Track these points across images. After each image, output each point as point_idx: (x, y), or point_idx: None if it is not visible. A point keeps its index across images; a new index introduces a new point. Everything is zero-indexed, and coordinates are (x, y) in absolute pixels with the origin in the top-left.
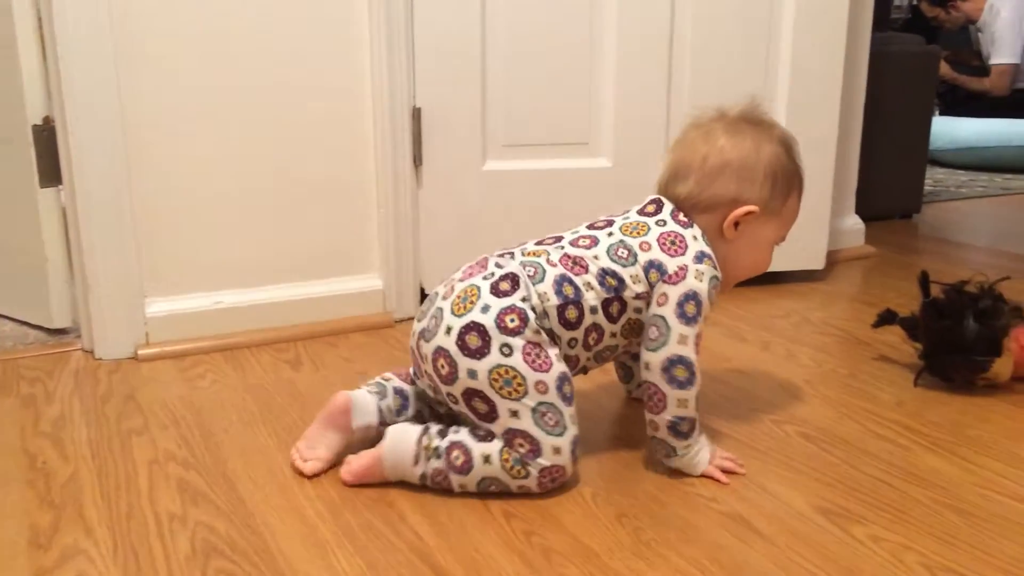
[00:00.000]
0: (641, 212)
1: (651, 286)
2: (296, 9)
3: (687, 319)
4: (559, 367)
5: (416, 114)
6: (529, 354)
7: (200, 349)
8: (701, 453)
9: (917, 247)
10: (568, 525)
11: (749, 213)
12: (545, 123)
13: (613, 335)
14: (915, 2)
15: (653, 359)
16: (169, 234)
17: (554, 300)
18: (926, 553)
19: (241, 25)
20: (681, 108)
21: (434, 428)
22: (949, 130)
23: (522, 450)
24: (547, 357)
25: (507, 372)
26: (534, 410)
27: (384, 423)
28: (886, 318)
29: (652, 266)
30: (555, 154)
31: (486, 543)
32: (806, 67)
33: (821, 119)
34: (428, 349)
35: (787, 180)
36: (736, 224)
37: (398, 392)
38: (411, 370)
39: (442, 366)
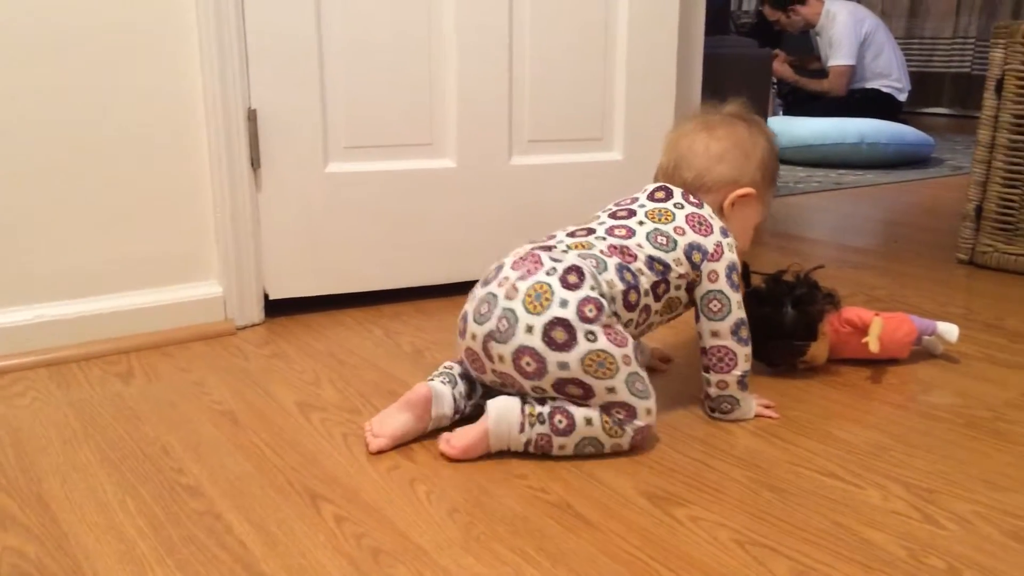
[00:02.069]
0: (652, 198)
1: (693, 266)
2: (118, 10)
3: (735, 287)
4: (630, 338)
5: (252, 115)
6: (610, 333)
7: (22, 365)
8: (752, 400)
9: (756, 239)
10: (399, 524)
11: (747, 195)
12: (388, 124)
13: (656, 312)
14: (761, 7)
15: (722, 326)
16: None
17: (620, 286)
18: (739, 529)
19: (62, 27)
20: (523, 106)
21: (531, 397)
22: (789, 129)
23: (620, 415)
24: (621, 332)
25: (599, 355)
26: (626, 381)
27: (457, 411)
28: None
29: (693, 248)
30: (399, 155)
31: (314, 549)
32: (641, 66)
33: (658, 118)
34: (505, 350)
35: (773, 171)
36: (733, 204)
37: (464, 377)
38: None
39: (528, 363)
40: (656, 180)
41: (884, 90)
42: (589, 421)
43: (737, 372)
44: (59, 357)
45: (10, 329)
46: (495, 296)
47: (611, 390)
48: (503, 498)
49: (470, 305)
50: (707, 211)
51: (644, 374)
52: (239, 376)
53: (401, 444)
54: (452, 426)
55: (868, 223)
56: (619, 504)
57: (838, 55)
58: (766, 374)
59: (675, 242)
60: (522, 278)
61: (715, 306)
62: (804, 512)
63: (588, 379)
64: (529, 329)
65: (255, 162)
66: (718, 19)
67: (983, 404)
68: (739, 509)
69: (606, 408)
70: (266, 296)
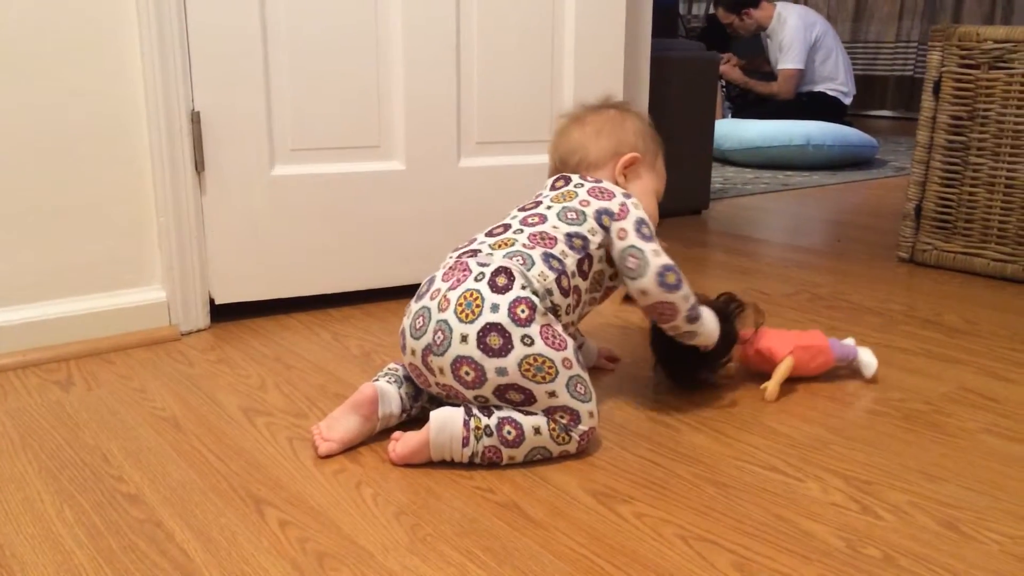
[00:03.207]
0: (554, 188)
1: (605, 230)
2: (55, 8)
3: (648, 238)
4: (570, 340)
5: (195, 118)
6: (547, 336)
7: None
8: (709, 322)
9: (705, 240)
10: (345, 528)
11: (633, 160)
12: (334, 126)
13: (587, 291)
14: (711, 11)
15: (645, 282)
16: None
17: (551, 276)
18: (683, 525)
19: None
20: (471, 109)
21: (474, 408)
22: (737, 131)
23: (563, 420)
24: (560, 335)
25: (536, 359)
26: (567, 385)
27: (404, 411)
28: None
29: (601, 213)
30: (346, 158)
31: (257, 554)
32: (589, 68)
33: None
34: (443, 362)
35: (653, 138)
36: (624, 174)
37: (408, 379)
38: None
39: (466, 372)
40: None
41: (830, 94)
42: (538, 430)
43: (682, 315)
44: None
45: None
46: (428, 309)
47: (552, 394)
48: (450, 499)
49: (407, 320)
50: (607, 183)
51: (586, 376)
52: (183, 382)
53: (351, 447)
54: (401, 426)
55: (813, 223)
56: (565, 503)
57: (787, 59)
58: None
59: (583, 214)
60: (452, 288)
61: (631, 263)
62: (746, 506)
63: (528, 384)
64: (464, 338)
65: (199, 165)
66: (667, 22)
67: (921, 398)
68: (683, 505)
69: (550, 413)
70: (212, 301)
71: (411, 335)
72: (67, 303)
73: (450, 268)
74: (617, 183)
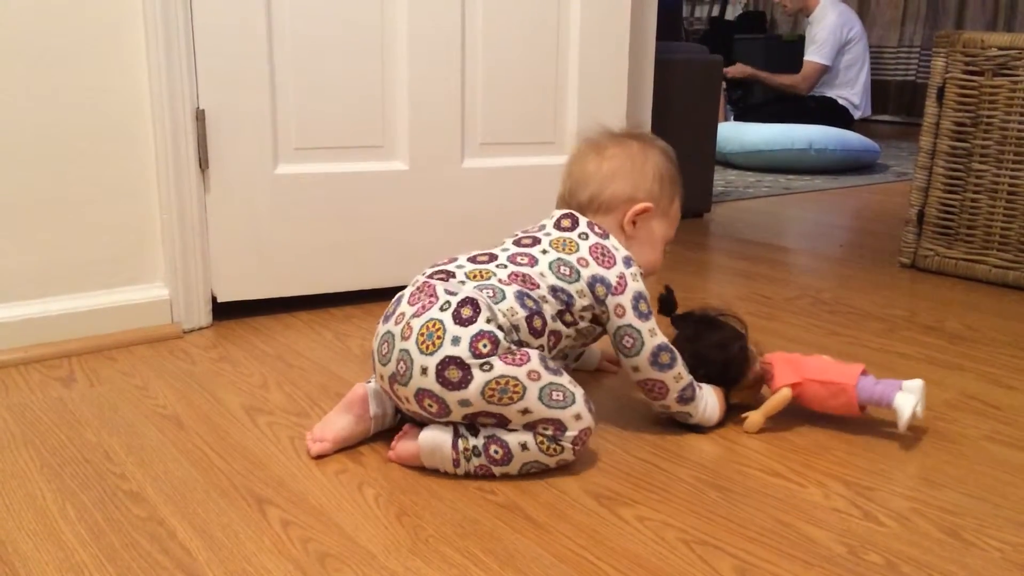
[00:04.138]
0: (559, 227)
1: (597, 300)
2: (60, 7)
3: (645, 316)
4: (534, 351)
5: (200, 116)
6: (507, 359)
7: None
8: (709, 406)
9: (707, 244)
10: (347, 528)
11: (645, 210)
12: (339, 126)
13: (568, 336)
14: (714, 15)
15: (638, 361)
16: None
17: (521, 313)
18: (685, 528)
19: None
20: (475, 109)
21: (462, 428)
22: (739, 135)
23: (548, 432)
24: (521, 352)
25: (498, 383)
26: (540, 398)
27: (399, 410)
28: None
29: (596, 281)
30: (350, 157)
31: (259, 553)
32: (593, 71)
33: (609, 122)
34: (408, 392)
35: (672, 182)
36: (634, 222)
37: None
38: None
39: (429, 405)
40: (557, 208)
41: (840, 102)
42: (524, 446)
43: (673, 395)
44: None
45: None
46: (393, 336)
47: (525, 411)
48: (452, 500)
49: (375, 343)
50: (612, 242)
51: (561, 380)
52: (184, 380)
53: (345, 447)
54: (400, 426)
55: (815, 227)
56: (567, 505)
57: (816, 52)
58: None
59: (578, 273)
60: (416, 315)
61: (628, 342)
62: (748, 510)
63: (495, 408)
64: (424, 371)
65: (203, 163)
66: (670, 25)
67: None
68: (685, 509)
69: (532, 428)
70: (214, 299)
71: (379, 360)
72: (70, 299)
73: (417, 289)
74: (624, 230)
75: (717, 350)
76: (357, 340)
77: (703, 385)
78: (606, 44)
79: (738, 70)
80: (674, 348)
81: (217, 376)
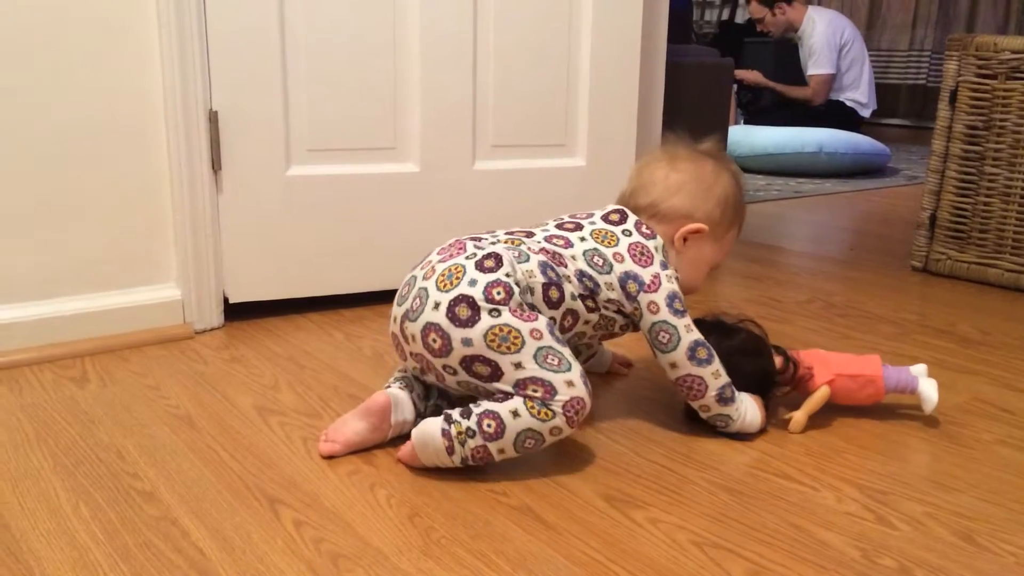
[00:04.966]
0: (606, 219)
1: (628, 296)
2: (76, 5)
3: (680, 313)
4: (544, 317)
5: (213, 117)
6: (516, 312)
7: None
8: (750, 411)
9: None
10: (359, 529)
11: (699, 231)
12: (351, 127)
13: (587, 323)
14: (724, 18)
15: (676, 356)
16: None
17: (539, 278)
18: (698, 531)
19: (13, 21)
20: (487, 111)
21: (455, 413)
22: (749, 138)
23: (537, 394)
24: (533, 311)
25: (501, 330)
26: (535, 356)
27: (418, 414)
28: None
29: (629, 277)
30: (362, 159)
31: (272, 553)
32: (604, 73)
33: (620, 124)
34: (415, 328)
35: (735, 210)
36: (685, 239)
37: (417, 379)
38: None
39: (434, 340)
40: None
41: (848, 104)
42: (515, 413)
43: (712, 393)
44: (11, 361)
45: None
46: (415, 277)
47: (518, 365)
48: (464, 502)
49: (400, 288)
50: (654, 244)
51: (561, 349)
52: (197, 380)
53: (357, 451)
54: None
55: (826, 230)
56: (579, 507)
57: (818, 64)
58: None
59: (611, 266)
60: (442, 261)
61: (664, 337)
62: (761, 514)
63: (492, 355)
64: (436, 306)
65: (216, 164)
66: (680, 28)
67: (935, 408)
68: (697, 511)
69: (521, 389)
70: (226, 300)
71: (396, 302)
72: (82, 300)
73: (449, 245)
74: (674, 245)
75: (743, 359)
76: (368, 341)
77: (746, 397)
78: (617, 46)
79: (753, 77)
80: (711, 348)
81: (229, 376)
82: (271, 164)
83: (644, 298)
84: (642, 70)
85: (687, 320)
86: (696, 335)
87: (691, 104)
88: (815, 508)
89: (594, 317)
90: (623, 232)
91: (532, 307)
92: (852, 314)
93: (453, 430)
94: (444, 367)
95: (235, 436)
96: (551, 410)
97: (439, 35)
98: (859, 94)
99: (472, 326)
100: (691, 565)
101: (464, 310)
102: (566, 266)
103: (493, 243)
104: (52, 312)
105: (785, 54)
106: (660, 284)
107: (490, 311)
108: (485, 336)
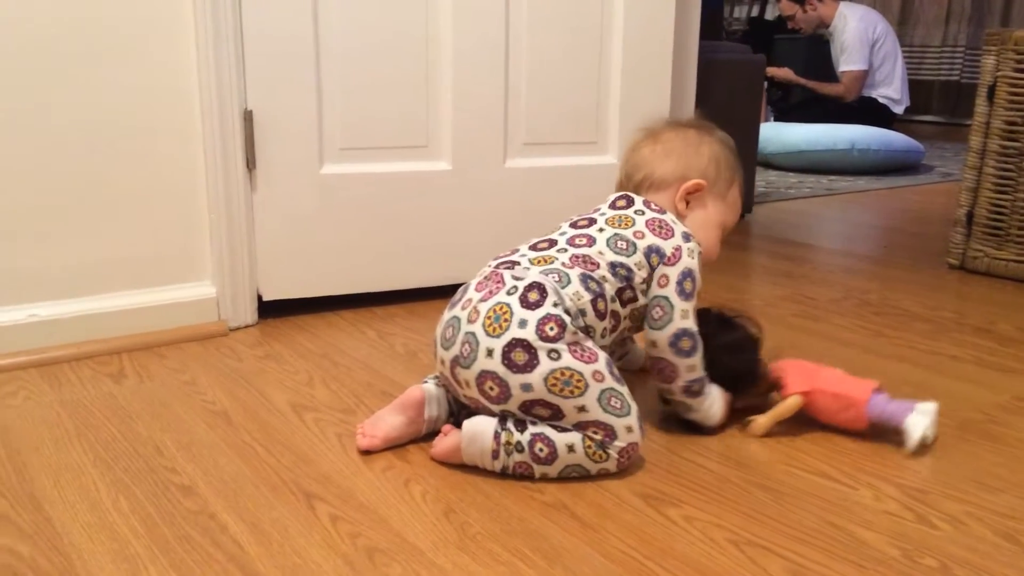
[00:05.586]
0: (613, 207)
1: (652, 269)
2: (113, 5)
3: (686, 295)
4: (603, 353)
5: (248, 116)
6: (575, 352)
7: (14, 365)
8: (714, 406)
9: (748, 244)
10: (395, 524)
11: (698, 187)
12: (383, 126)
13: (625, 318)
14: (754, 15)
15: (659, 336)
16: None
17: (587, 297)
18: (734, 529)
19: (53, 21)
20: (518, 109)
21: (510, 421)
22: (780, 135)
23: (597, 437)
24: (591, 349)
25: (563, 373)
26: (599, 399)
27: (452, 414)
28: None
29: (652, 251)
30: (394, 157)
31: (309, 548)
32: (636, 71)
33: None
34: (469, 375)
35: (729, 167)
36: (687, 202)
37: None
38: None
39: (491, 388)
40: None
41: (880, 100)
42: (571, 448)
43: (680, 383)
44: (51, 357)
45: (2, 329)
46: (459, 320)
47: (582, 409)
48: (499, 498)
49: (439, 329)
50: (669, 216)
51: (623, 390)
52: (232, 376)
53: (392, 447)
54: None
55: (859, 228)
56: (614, 504)
57: (851, 60)
58: None
59: (635, 245)
60: (483, 300)
61: (657, 312)
62: (798, 512)
63: (555, 399)
64: (489, 352)
65: (250, 163)
66: (711, 24)
67: (974, 407)
68: (733, 509)
69: (583, 429)
70: (259, 297)
71: (441, 345)
72: (119, 297)
73: (485, 278)
74: (677, 208)
75: (729, 355)
76: (400, 339)
77: (713, 385)
78: (650, 43)
79: (783, 74)
80: (699, 340)
81: (263, 373)
82: (305, 163)
83: (659, 271)
84: (674, 67)
85: (688, 306)
86: (688, 324)
87: (722, 101)
88: (853, 507)
89: (627, 312)
90: (635, 212)
91: (586, 329)
92: (888, 312)
93: (504, 437)
94: (502, 411)
95: (271, 432)
96: (607, 453)
97: (471, 33)
98: (892, 90)
99: (531, 371)
100: (728, 563)
101: (520, 355)
102: (598, 265)
103: (527, 268)
104: (90, 309)
105: (815, 51)
106: (680, 258)
107: (548, 352)
108: (546, 380)
